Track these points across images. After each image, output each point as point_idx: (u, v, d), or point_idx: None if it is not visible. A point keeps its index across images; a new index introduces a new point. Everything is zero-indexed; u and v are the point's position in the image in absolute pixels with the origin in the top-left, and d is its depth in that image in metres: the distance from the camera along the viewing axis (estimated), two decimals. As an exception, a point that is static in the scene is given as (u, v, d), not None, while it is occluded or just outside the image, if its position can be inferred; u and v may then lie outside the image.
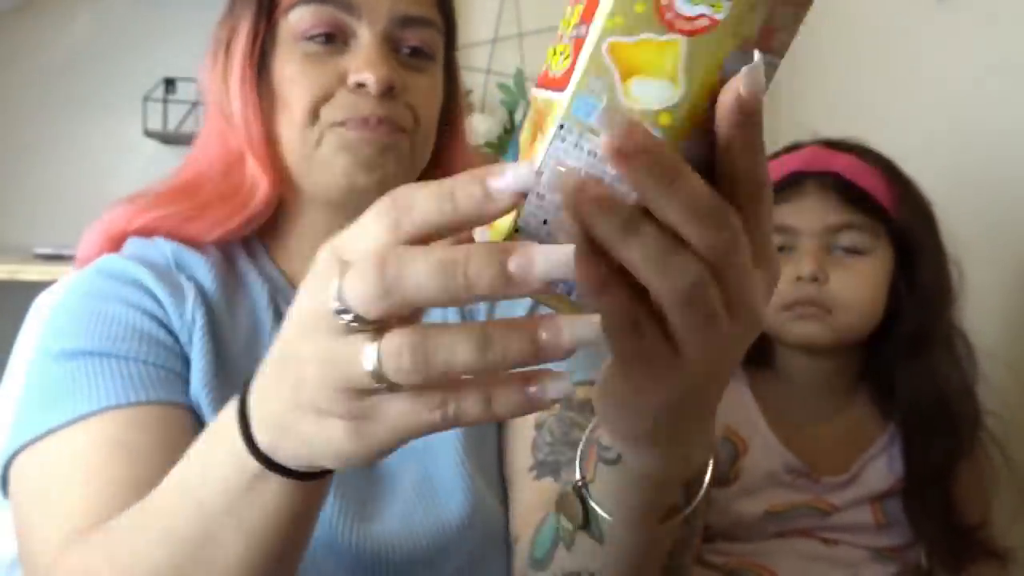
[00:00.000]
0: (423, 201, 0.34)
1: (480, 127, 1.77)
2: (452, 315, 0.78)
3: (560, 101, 0.35)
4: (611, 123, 0.32)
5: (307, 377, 0.37)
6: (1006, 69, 1.27)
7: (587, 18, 0.35)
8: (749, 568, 1.02)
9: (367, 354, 0.34)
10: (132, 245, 0.78)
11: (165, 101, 1.91)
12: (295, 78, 0.73)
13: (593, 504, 0.51)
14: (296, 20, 0.74)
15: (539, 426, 0.75)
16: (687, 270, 0.34)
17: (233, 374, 0.72)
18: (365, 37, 0.73)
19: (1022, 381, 1.18)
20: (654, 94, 0.33)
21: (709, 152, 0.35)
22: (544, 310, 0.37)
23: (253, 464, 0.43)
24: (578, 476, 0.51)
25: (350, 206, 0.78)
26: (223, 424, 0.46)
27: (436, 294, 0.32)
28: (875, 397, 1.08)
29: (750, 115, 0.34)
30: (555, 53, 0.38)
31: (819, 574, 1.01)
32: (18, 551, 0.65)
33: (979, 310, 1.11)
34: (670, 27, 0.32)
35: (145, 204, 0.78)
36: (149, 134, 1.90)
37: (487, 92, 1.95)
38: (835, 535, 1.03)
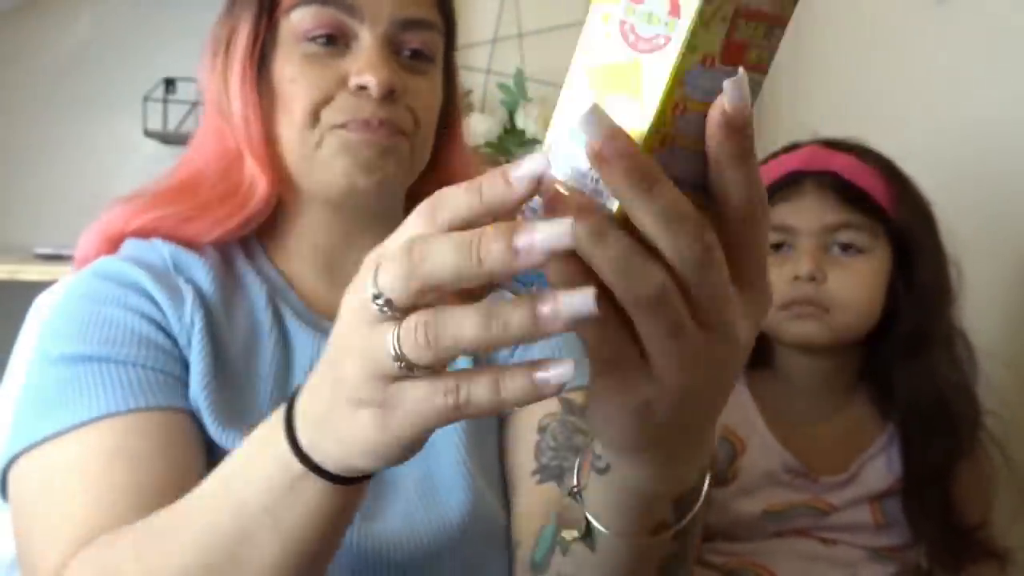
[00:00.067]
0: (454, 194, 0.37)
1: (480, 127, 1.77)
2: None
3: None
4: (593, 128, 0.34)
5: (347, 370, 0.40)
6: (1006, 69, 1.27)
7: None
8: (748, 568, 1.02)
9: (390, 338, 0.37)
10: (129, 247, 0.78)
11: (165, 101, 1.91)
12: (296, 79, 0.73)
13: (587, 513, 0.51)
14: (297, 21, 0.74)
15: (542, 430, 0.75)
16: (650, 277, 0.35)
17: (232, 376, 0.72)
18: (366, 39, 0.73)
19: (1021, 380, 1.18)
20: (622, 110, 0.35)
21: (694, 171, 0.36)
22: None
23: (296, 464, 0.45)
24: (574, 482, 0.52)
25: (349, 206, 0.78)
26: (270, 425, 0.47)
27: (454, 271, 0.35)
28: (874, 397, 1.08)
29: (737, 129, 0.35)
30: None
31: (818, 574, 1.01)
32: (17, 556, 0.65)
33: (978, 310, 1.11)
34: (634, 49, 0.35)
35: (143, 205, 0.78)
36: (149, 134, 1.90)
37: (487, 92, 1.95)
38: (833, 535, 1.03)
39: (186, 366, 0.71)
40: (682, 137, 0.36)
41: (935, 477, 1.01)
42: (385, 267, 0.37)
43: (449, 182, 0.94)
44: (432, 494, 0.72)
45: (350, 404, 0.40)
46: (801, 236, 1.02)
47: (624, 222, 0.36)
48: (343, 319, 0.41)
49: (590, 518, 0.51)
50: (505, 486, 0.78)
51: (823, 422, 1.07)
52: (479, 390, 0.37)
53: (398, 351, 0.37)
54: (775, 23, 0.36)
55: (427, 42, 0.77)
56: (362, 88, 0.72)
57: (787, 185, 1.04)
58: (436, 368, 0.37)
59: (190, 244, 0.76)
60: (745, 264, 0.38)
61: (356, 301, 0.39)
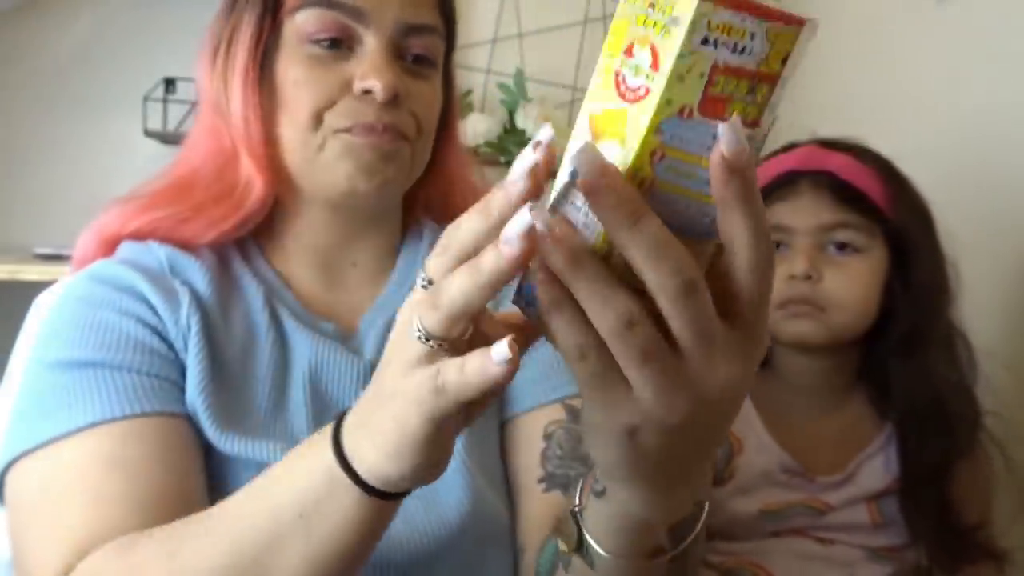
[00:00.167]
0: (464, 225, 0.41)
1: (480, 127, 1.77)
2: None
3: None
4: (585, 164, 0.37)
5: (386, 373, 0.45)
6: (1006, 69, 1.27)
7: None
8: (745, 567, 1.02)
9: (415, 319, 0.42)
10: (125, 249, 0.77)
11: (165, 101, 1.91)
12: (299, 81, 0.73)
13: (585, 532, 0.52)
14: (302, 22, 0.73)
15: (547, 437, 0.76)
16: (617, 304, 0.38)
17: (229, 378, 0.72)
18: (371, 44, 0.73)
19: (1020, 380, 1.18)
20: (611, 154, 0.38)
21: (680, 213, 0.39)
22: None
23: (337, 471, 0.47)
24: (576, 501, 0.53)
25: (347, 208, 0.78)
26: (315, 438, 0.50)
27: (472, 292, 0.39)
28: (872, 396, 1.08)
29: (737, 171, 0.37)
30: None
31: (815, 574, 1.01)
32: (13, 560, 0.65)
33: (978, 310, 1.11)
34: (623, 98, 0.38)
35: (139, 206, 0.78)
36: (149, 134, 1.90)
37: (487, 92, 1.95)
38: (831, 534, 1.03)
39: (183, 370, 0.71)
40: (661, 182, 0.38)
41: (932, 477, 1.01)
42: (423, 312, 0.42)
43: (445, 184, 0.94)
44: (432, 494, 0.73)
45: (383, 398, 0.45)
46: (797, 235, 1.03)
47: (607, 252, 0.39)
48: (396, 328, 0.45)
49: (589, 539, 0.52)
50: (509, 487, 0.78)
51: (820, 421, 1.07)
52: (449, 371, 0.41)
53: (423, 329, 0.41)
54: (760, 80, 0.38)
55: (430, 47, 0.77)
56: (367, 92, 0.72)
57: (784, 185, 1.04)
58: (453, 341, 0.42)
59: (186, 246, 0.76)
60: (743, 301, 0.40)
61: (399, 336, 0.44)
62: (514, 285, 0.42)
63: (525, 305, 0.42)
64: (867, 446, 1.05)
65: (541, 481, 0.75)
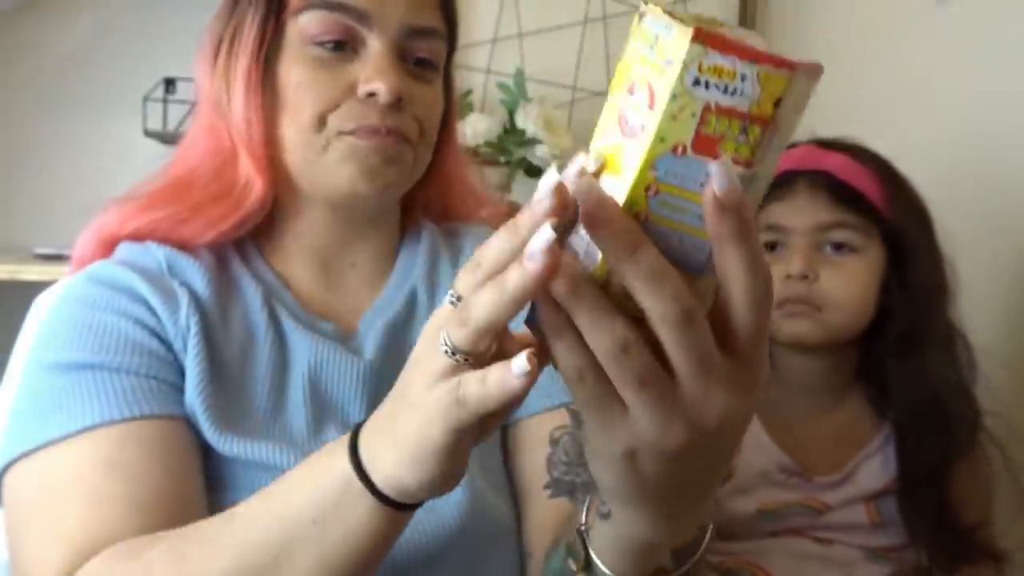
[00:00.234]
0: (494, 245, 0.42)
1: (480, 127, 1.77)
2: None
3: None
4: (586, 196, 0.38)
5: (410, 382, 0.46)
6: (1005, 69, 1.27)
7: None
8: (743, 567, 1.02)
9: (442, 339, 0.43)
10: (124, 250, 0.77)
11: (165, 101, 1.91)
12: (303, 83, 0.73)
13: (591, 551, 0.54)
14: (305, 24, 0.73)
15: (554, 442, 0.76)
16: (613, 330, 0.39)
17: (228, 378, 0.72)
18: (375, 46, 0.73)
19: (1019, 380, 1.18)
20: (609, 185, 0.40)
21: (676, 246, 0.40)
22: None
23: (352, 478, 0.48)
24: (582, 520, 0.55)
25: (347, 209, 0.78)
26: (332, 447, 0.51)
27: (498, 308, 0.41)
28: (871, 396, 1.08)
29: (730, 210, 0.38)
30: None
31: (813, 574, 1.01)
32: (11, 562, 0.65)
33: (977, 309, 1.11)
34: (623, 134, 0.40)
35: (138, 207, 0.78)
36: (149, 134, 1.90)
37: (487, 92, 1.94)
38: (829, 534, 1.03)
39: (181, 371, 0.70)
40: (656, 216, 0.40)
41: (931, 477, 1.01)
42: (451, 331, 0.43)
43: (444, 186, 0.95)
44: (432, 495, 0.73)
45: (405, 409, 0.46)
46: (794, 235, 1.03)
47: (606, 281, 0.40)
48: (421, 340, 0.46)
49: (595, 559, 0.53)
50: (514, 491, 0.79)
51: (818, 421, 1.07)
52: (471, 383, 0.43)
53: (450, 344, 0.43)
54: (753, 121, 0.38)
55: (432, 50, 0.77)
56: (371, 95, 0.72)
57: (781, 185, 1.04)
58: (478, 355, 0.43)
59: (184, 246, 0.76)
60: (740, 336, 0.40)
61: (424, 352, 0.46)
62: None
63: (535, 327, 0.43)
64: (865, 446, 1.05)
65: (547, 487, 0.75)
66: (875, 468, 1.04)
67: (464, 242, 0.87)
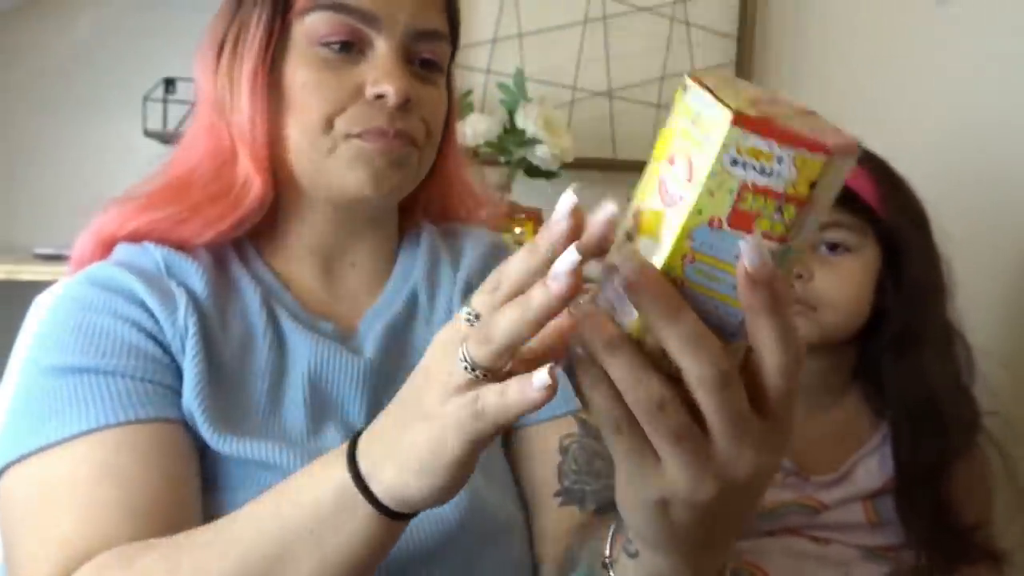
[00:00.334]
0: (514, 266, 0.44)
1: (480, 127, 1.77)
2: None
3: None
4: (627, 262, 0.40)
5: (422, 392, 0.47)
6: (1005, 69, 1.27)
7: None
8: (741, 566, 1.02)
9: (460, 350, 0.44)
10: (122, 251, 0.77)
11: (165, 101, 1.91)
12: (309, 85, 0.73)
13: None
14: (312, 25, 0.73)
15: (564, 451, 0.77)
16: (650, 388, 0.41)
17: (226, 379, 0.72)
18: (382, 48, 0.73)
19: (1018, 379, 1.18)
20: (647, 248, 0.42)
21: (712, 311, 0.42)
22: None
23: (350, 488, 0.49)
24: (606, 552, 0.57)
25: (349, 210, 0.78)
26: (329, 457, 0.52)
27: (521, 326, 0.42)
28: (868, 395, 1.08)
29: (761, 284, 0.39)
30: None
31: (811, 573, 1.01)
32: (5, 567, 0.65)
33: (975, 309, 1.11)
34: (663, 201, 0.42)
35: (136, 207, 0.77)
36: (149, 134, 1.90)
37: (487, 92, 1.94)
38: (826, 534, 1.03)
39: (179, 374, 0.70)
40: (691, 283, 0.42)
41: (927, 477, 1.01)
42: (470, 346, 0.44)
43: (444, 187, 0.95)
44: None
45: (415, 421, 0.47)
46: None
47: (641, 338, 0.42)
48: (431, 355, 0.47)
49: None
50: (524, 497, 0.80)
51: (815, 420, 1.07)
52: (489, 396, 0.43)
53: (470, 359, 0.44)
54: (788, 201, 0.40)
55: (437, 52, 0.77)
56: (380, 97, 0.72)
57: None
58: (496, 371, 0.44)
59: (183, 247, 0.76)
60: (771, 398, 0.42)
61: (445, 334, 0.47)
62: None
63: (568, 372, 0.45)
64: (863, 445, 1.05)
65: (557, 495, 0.76)
66: (873, 467, 1.04)
67: (464, 243, 0.88)
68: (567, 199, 0.42)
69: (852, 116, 1.55)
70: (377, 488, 0.49)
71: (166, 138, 1.94)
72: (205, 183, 0.76)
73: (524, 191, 1.80)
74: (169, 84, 1.92)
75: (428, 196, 0.86)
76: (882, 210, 1.03)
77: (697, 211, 0.40)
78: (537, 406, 0.43)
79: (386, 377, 0.76)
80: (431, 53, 0.76)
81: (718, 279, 0.41)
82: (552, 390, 0.42)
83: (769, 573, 1.01)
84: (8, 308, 1.06)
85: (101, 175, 1.87)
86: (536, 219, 1.66)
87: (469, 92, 1.88)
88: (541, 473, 0.78)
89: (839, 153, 0.39)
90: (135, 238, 0.77)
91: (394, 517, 0.50)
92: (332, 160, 0.73)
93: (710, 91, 0.40)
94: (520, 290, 0.43)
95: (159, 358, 0.70)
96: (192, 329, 0.71)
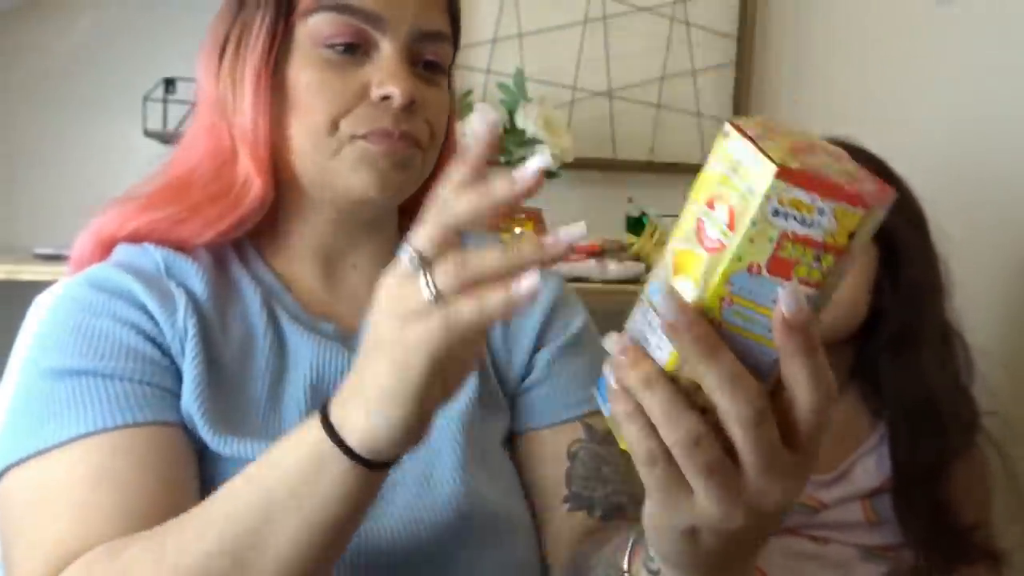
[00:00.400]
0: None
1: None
2: None
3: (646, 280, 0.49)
4: (666, 304, 0.42)
5: (379, 327, 0.49)
6: (1005, 69, 1.27)
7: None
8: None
9: (424, 283, 0.47)
10: (121, 252, 0.77)
11: (165, 101, 1.91)
12: (313, 86, 0.72)
13: None
14: (316, 26, 0.73)
15: (572, 456, 0.77)
16: (685, 424, 0.42)
17: (226, 380, 0.72)
18: (387, 49, 0.73)
19: (1017, 379, 1.18)
20: (685, 289, 0.43)
21: (747, 352, 0.43)
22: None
23: (325, 443, 0.51)
24: (624, 566, 0.59)
25: (351, 212, 0.78)
26: (303, 424, 0.53)
27: (471, 214, 0.47)
28: (866, 395, 1.08)
29: (796, 330, 0.41)
30: None
31: (810, 573, 1.01)
32: (3, 569, 0.65)
33: (974, 308, 1.11)
34: (701, 244, 0.43)
35: (136, 207, 0.77)
36: (149, 134, 1.90)
37: (487, 92, 1.94)
38: (824, 533, 1.03)
39: (178, 376, 0.70)
40: (728, 324, 0.43)
41: (925, 477, 1.01)
42: (418, 231, 0.48)
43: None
44: (431, 493, 0.73)
45: (374, 353, 0.49)
46: None
47: (674, 373, 0.43)
48: (379, 302, 0.50)
49: None
50: (532, 501, 0.80)
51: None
52: (463, 306, 0.46)
53: (433, 288, 0.46)
54: (827, 250, 0.41)
55: (441, 53, 0.77)
56: (384, 98, 0.72)
57: None
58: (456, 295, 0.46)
59: (182, 247, 0.76)
60: (802, 434, 0.43)
61: (392, 277, 0.49)
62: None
63: (602, 400, 0.47)
64: (861, 444, 1.05)
65: (566, 501, 0.77)
66: (871, 466, 1.04)
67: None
68: (536, 162, 0.48)
69: (852, 116, 1.55)
70: (350, 437, 0.50)
71: (166, 138, 1.94)
72: (205, 183, 0.76)
73: (524, 191, 1.80)
74: (169, 84, 1.92)
75: (427, 197, 0.86)
76: None
77: (737, 258, 0.41)
78: (519, 308, 0.44)
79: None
80: (435, 55, 0.76)
81: (754, 321, 0.43)
82: (533, 297, 0.44)
83: (768, 573, 1.01)
84: (8, 308, 1.06)
85: (101, 175, 1.87)
86: (536, 219, 1.66)
87: (469, 92, 1.88)
88: (552, 479, 0.78)
89: (877, 204, 0.41)
90: (135, 238, 0.77)
91: (372, 468, 0.51)
92: (336, 162, 0.73)
93: (752, 140, 0.41)
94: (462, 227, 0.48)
95: (158, 360, 0.70)
96: (192, 331, 0.71)
